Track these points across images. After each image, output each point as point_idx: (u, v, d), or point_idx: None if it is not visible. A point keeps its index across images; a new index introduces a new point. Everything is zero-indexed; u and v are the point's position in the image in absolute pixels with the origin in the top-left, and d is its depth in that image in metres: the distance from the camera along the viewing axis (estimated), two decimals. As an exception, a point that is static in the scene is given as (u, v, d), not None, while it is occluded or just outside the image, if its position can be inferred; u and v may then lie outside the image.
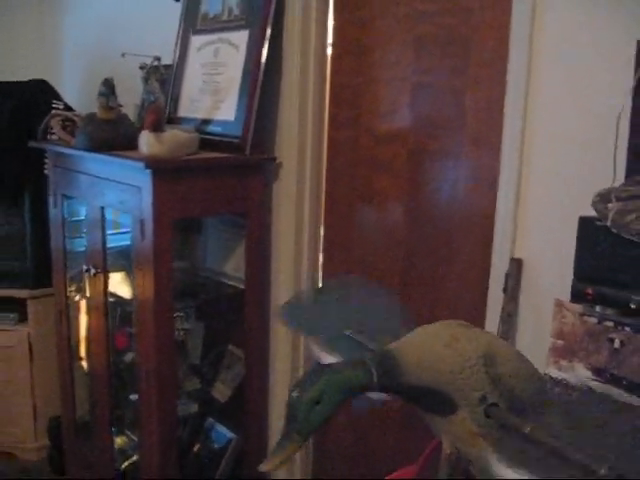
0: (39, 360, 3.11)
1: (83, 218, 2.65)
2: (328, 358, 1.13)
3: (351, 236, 2.35)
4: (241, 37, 2.34)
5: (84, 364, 2.90)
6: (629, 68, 1.38)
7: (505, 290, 1.76)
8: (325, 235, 2.45)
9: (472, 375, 0.97)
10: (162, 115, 2.22)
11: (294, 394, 0.91)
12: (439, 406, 1.00)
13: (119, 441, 2.78)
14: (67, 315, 2.79)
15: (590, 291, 1.26)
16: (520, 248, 1.74)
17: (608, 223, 1.22)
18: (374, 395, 0.98)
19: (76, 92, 3.33)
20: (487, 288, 1.84)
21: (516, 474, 0.88)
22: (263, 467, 0.89)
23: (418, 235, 2.12)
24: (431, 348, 0.99)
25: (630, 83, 1.36)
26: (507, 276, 1.76)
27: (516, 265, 1.74)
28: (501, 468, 0.91)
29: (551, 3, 1.58)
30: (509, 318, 1.72)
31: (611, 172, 1.36)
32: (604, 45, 1.46)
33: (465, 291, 1.99)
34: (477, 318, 1.86)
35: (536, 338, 1.57)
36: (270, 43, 2.24)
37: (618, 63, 1.42)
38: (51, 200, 2.73)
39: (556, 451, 0.87)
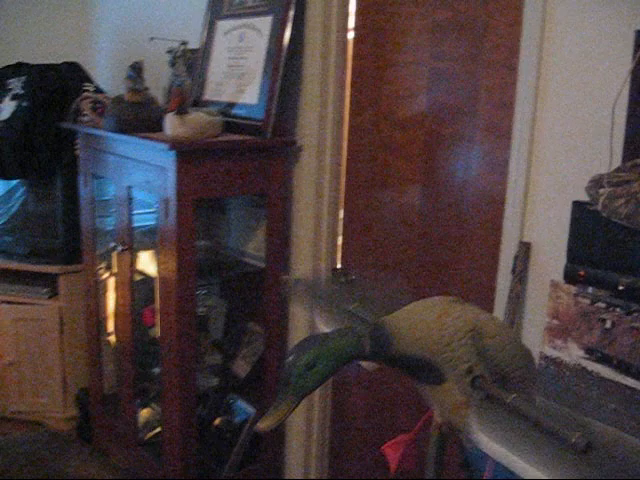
0: (69, 334, 3.22)
1: (111, 197, 2.74)
2: (327, 329, 1.19)
3: (369, 218, 2.41)
4: (265, 22, 2.40)
5: (111, 339, 3.01)
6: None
7: (514, 272, 1.80)
8: (344, 217, 2.51)
9: (460, 347, 1.03)
10: (186, 98, 2.29)
11: (289, 359, 0.98)
12: (428, 376, 1.05)
13: (144, 413, 2.88)
14: (96, 291, 2.89)
15: (582, 273, 1.31)
16: (528, 232, 1.78)
17: (599, 207, 1.26)
18: (366, 364, 1.04)
19: (107, 75, 3.42)
20: (497, 269, 1.89)
21: (492, 442, 0.93)
22: (259, 425, 0.96)
23: (433, 218, 2.17)
24: (422, 320, 1.05)
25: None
26: (516, 258, 1.80)
27: (524, 248, 1.79)
28: (480, 435, 0.97)
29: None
30: (517, 299, 1.77)
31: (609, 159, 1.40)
32: (606, 34, 1.49)
33: (476, 272, 2.04)
34: (487, 298, 1.91)
35: (541, 318, 1.62)
36: (292, 28, 2.30)
37: (620, 51, 1.45)
38: (81, 180, 2.83)
39: (533, 420, 0.93)
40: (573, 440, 0.87)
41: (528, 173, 1.74)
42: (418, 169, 2.20)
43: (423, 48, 2.14)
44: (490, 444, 0.94)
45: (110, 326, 3.00)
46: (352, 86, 2.41)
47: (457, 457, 1.17)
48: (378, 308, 1.26)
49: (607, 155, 1.41)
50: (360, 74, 2.37)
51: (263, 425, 0.95)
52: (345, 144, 2.45)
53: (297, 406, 0.98)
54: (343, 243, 2.53)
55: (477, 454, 1.14)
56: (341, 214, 2.52)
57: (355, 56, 2.38)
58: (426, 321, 1.05)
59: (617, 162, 1.39)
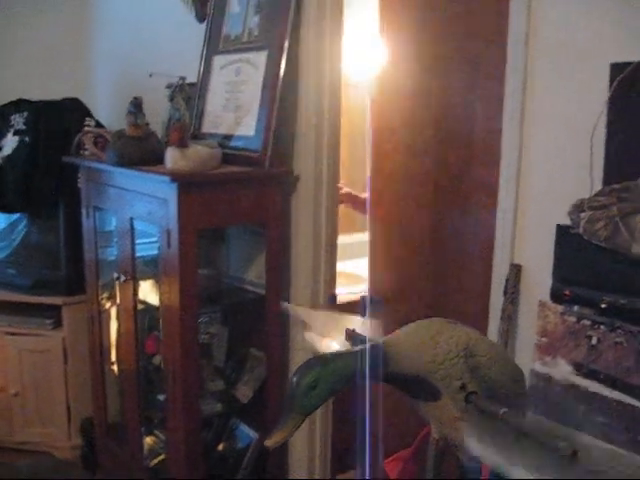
0: (73, 364, 3.26)
1: (113, 228, 2.81)
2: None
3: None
4: (260, 57, 2.49)
5: (114, 368, 3.06)
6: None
7: (505, 293, 1.87)
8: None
9: (453, 365, 1.10)
10: (186, 132, 2.37)
11: (293, 379, 1.04)
12: (425, 393, 1.12)
13: (148, 440, 2.92)
14: (99, 321, 2.95)
15: (567, 292, 1.38)
16: (519, 254, 1.85)
17: (580, 230, 1.33)
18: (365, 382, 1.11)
19: (106, 110, 3.50)
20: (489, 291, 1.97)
21: (487, 452, 0.99)
22: (267, 442, 1.02)
23: (436, 248, 2.26)
24: (417, 341, 1.12)
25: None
26: (507, 280, 1.87)
27: (515, 270, 1.86)
28: (478, 448, 1.03)
29: (543, 26, 1.70)
30: (509, 319, 1.84)
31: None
32: (584, 66, 1.59)
33: (471, 294, 2.11)
34: (481, 320, 1.98)
35: (532, 336, 1.68)
36: (287, 62, 2.38)
37: (598, 83, 1.54)
38: (84, 212, 2.90)
39: (523, 431, 0.99)
40: (560, 447, 0.93)
41: (516, 199, 1.82)
42: (416, 198, 2.29)
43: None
44: (485, 454, 1.00)
45: (113, 355, 3.06)
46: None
47: (454, 471, 1.23)
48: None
49: (588, 181, 1.49)
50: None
51: (270, 442, 1.01)
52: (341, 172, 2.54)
53: (302, 424, 1.04)
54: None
55: (473, 467, 1.20)
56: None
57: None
58: (421, 341, 1.12)
59: (598, 187, 1.47)
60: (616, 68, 1.44)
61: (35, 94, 3.25)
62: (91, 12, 3.73)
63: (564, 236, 1.43)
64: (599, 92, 1.51)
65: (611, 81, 1.45)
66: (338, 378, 1.05)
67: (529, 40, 1.73)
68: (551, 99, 1.70)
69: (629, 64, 1.40)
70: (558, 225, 1.47)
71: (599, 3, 1.56)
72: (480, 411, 1.08)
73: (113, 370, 3.06)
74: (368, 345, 1.10)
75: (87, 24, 3.77)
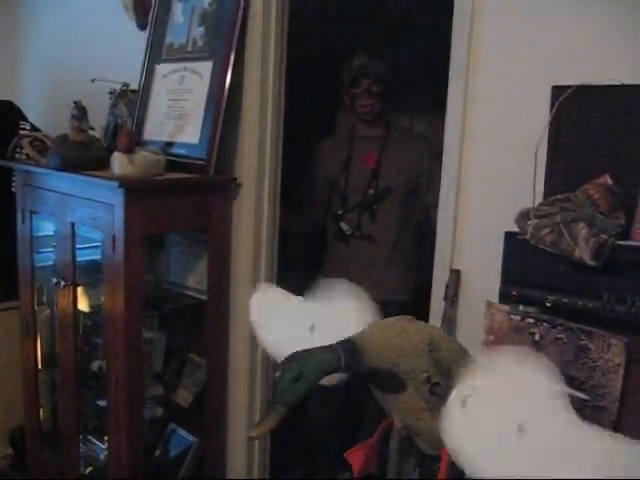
0: (1, 372, 3.19)
1: (51, 233, 2.77)
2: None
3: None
4: (205, 66, 2.53)
5: (44, 375, 3.02)
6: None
7: (446, 298, 1.99)
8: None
9: (418, 359, 1.19)
10: (133, 138, 2.39)
11: (277, 373, 1.11)
12: (391, 385, 1.21)
13: (82, 448, 2.90)
14: (34, 327, 2.90)
15: (515, 293, 1.51)
16: (458, 261, 1.98)
17: (527, 236, 1.47)
18: (340, 376, 1.19)
19: (39, 114, 3.45)
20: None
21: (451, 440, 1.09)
22: (251, 433, 1.08)
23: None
24: (385, 337, 1.21)
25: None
26: (447, 286, 1.99)
27: (455, 275, 1.98)
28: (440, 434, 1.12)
29: (485, 50, 1.85)
30: (450, 322, 1.96)
31: (532, 195, 1.62)
32: (527, 87, 1.73)
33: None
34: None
35: (473, 337, 1.80)
36: (232, 72, 2.44)
37: (540, 103, 1.69)
38: (19, 216, 2.84)
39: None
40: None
41: (456, 210, 1.96)
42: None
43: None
44: (449, 442, 1.10)
45: (41, 363, 3.01)
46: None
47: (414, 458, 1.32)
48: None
49: (529, 192, 1.62)
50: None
51: (254, 433, 1.08)
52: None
53: (284, 416, 1.11)
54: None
55: (431, 455, 1.29)
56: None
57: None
58: (388, 337, 1.21)
59: (539, 198, 1.61)
60: (557, 91, 1.58)
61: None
62: (23, 16, 3.67)
63: (512, 241, 1.57)
64: (542, 111, 1.65)
65: (552, 103, 1.59)
66: (319, 371, 1.12)
67: (470, 61, 1.86)
68: (495, 114, 1.84)
69: (569, 87, 1.55)
70: (507, 232, 1.60)
71: (541, 27, 1.71)
72: (443, 401, 1.18)
73: (42, 378, 3.01)
74: (341, 341, 1.18)
75: (15, 28, 3.70)
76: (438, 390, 1.18)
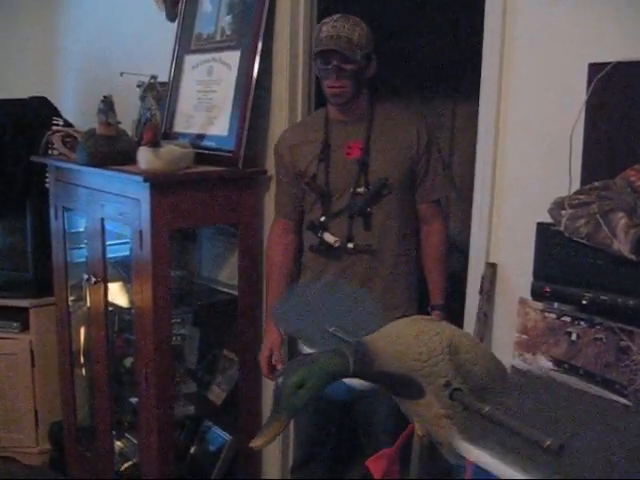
0: (40, 367, 3.20)
1: (83, 229, 2.76)
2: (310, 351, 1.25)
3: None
4: (233, 56, 2.47)
5: (83, 371, 3.01)
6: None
7: (481, 291, 1.89)
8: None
9: (438, 363, 1.10)
10: (159, 132, 2.35)
11: (280, 380, 1.03)
12: (409, 391, 1.12)
13: (119, 444, 2.89)
14: (68, 323, 2.90)
15: (548, 289, 1.39)
16: (494, 254, 1.87)
17: (561, 228, 1.35)
18: (350, 381, 1.10)
19: (74, 109, 3.45)
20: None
21: (476, 450, 1.00)
22: (254, 443, 1.01)
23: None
24: (401, 339, 1.12)
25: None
26: (483, 279, 1.89)
27: (491, 269, 1.88)
28: (464, 445, 1.04)
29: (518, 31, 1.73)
30: (485, 317, 1.85)
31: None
32: (562, 66, 1.61)
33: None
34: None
35: (509, 334, 1.70)
36: (260, 61, 2.37)
37: (576, 83, 1.56)
38: (52, 212, 2.85)
39: (509, 428, 0.99)
40: (547, 443, 0.94)
41: (492, 199, 1.85)
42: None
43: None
44: (471, 451, 1.01)
45: (82, 358, 3.01)
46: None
47: (438, 468, 1.24)
48: (356, 330, 1.32)
49: (566, 180, 1.51)
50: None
51: (258, 443, 1.00)
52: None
53: (289, 423, 1.04)
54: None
55: (456, 464, 1.20)
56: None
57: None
58: (404, 339, 1.12)
59: (576, 186, 1.49)
60: (594, 68, 1.46)
61: (0, 94, 3.19)
62: (59, 12, 3.67)
63: (545, 233, 1.45)
64: (578, 91, 1.53)
65: (589, 82, 1.47)
66: (324, 376, 1.04)
67: (505, 42, 1.75)
68: (529, 98, 1.72)
69: (607, 64, 1.42)
70: (539, 223, 1.48)
71: (577, 5, 1.58)
72: (464, 408, 1.09)
73: (81, 373, 3.01)
74: (352, 343, 1.10)
75: (55, 23, 3.71)
76: (459, 396, 1.09)
